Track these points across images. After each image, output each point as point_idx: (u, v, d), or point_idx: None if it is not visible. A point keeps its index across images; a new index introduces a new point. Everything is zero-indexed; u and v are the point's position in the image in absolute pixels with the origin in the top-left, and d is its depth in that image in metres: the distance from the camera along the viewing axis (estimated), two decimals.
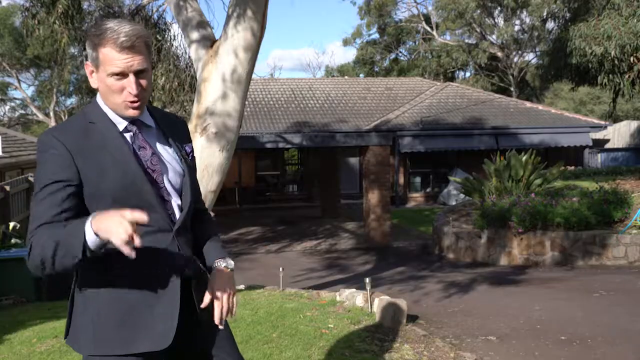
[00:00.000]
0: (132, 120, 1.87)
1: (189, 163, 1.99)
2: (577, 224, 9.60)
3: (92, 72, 1.83)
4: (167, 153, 1.94)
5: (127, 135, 1.86)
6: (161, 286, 1.83)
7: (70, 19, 8.19)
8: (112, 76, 1.77)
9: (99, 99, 1.88)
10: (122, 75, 1.77)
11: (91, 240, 1.58)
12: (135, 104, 1.81)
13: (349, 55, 79.73)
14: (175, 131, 2.02)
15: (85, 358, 1.83)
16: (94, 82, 1.84)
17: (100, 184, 1.75)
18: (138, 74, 1.79)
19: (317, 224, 16.70)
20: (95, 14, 10.20)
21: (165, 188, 1.88)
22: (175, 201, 1.90)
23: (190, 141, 2.06)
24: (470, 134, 19.87)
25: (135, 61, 1.77)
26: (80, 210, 1.74)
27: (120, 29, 1.75)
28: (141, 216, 1.57)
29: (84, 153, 1.75)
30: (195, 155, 2.15)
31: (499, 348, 5.06)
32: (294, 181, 23.91)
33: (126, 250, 1.53)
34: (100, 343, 1.79)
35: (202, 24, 5.88)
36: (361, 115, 21.08)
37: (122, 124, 1.86)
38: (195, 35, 5.79)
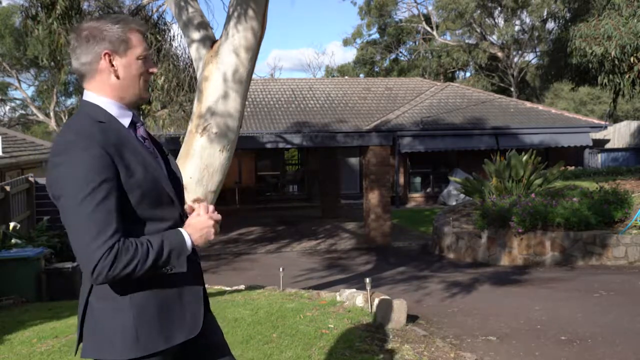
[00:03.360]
0: (134, 114, 1.91)
1: (172, 159, 2.03)
2: (577, 224, 9.60)
3: (113, 59, 1.82)
4: (155, 149, 1.97)
5: (132, 131, 1.87)
6: (185, 275, 1.84)
7: (69, 19, 8.19)
8: (140, 59, 1.86)
9: (93, 97, 1.83)
10: (145, 58, 1.88)
11: (189, 252, 1.81)
12: (148, 84, 1.94)
13: (349, 55, 79.78)
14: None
15: None
16: (115, 70, 1.82)
17: (130, 180, 1.73)
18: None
19: (317, 224, 16.70)
20: (95, 14, 10.21)
21: (173, 181, 1.92)
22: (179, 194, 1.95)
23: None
24: (471, 134, 19.86)
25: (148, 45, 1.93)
26: (125, 212, 1.73)
27: (130, 19, 1.91)
28: (218, 216, 1.89)
29: (113, 150, 1.72)
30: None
31: (499, 348, 5.06)
32: (294, 181, 23.90)
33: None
34: (144, 343, 1.76)
35: (203, 24, 5.88)
36: (361, 115, 21.08)
37: (126, 119, 1.86)
38: (196, 35, 5.79)
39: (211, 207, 1.89)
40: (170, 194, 1.84)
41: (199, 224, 1.83)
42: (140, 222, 1.78)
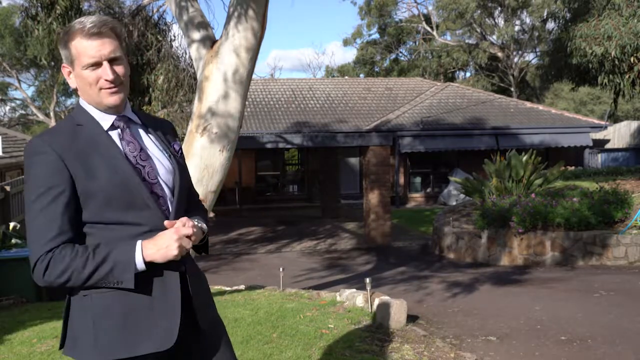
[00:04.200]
0: (119, 116, 1.86)
1: (178, 160, 1.97)
2: (577, 224, 9.60)
3: (69, 72, 1.85)
4: (156, 149, 1.92)
5: (114, 133, 1.85)
6: (160, 285, 1.80)
7: (69, 20, 8.19)
8: (87, 68, 1.78)
9: (81, 101, 1.88)
10: (97, 65, 1.78)
11: (140, 267, 1.73)
12: (113, 89, 1.81)
13: (349, 55, 79.71)
14: (162, 130, 2.02)
15: None
16: (72, 82, 1.85)
17: (91, 184, 1.73)
18: (112, 61, 1.80)
19: (317, 224, 16.70)
20: (95, 15, 10.18)
21: (159, 183, 1.86)
22: (169, 197, 1.88)
23: (177, 140, 2.05)
24: (471, 134, 19.87)
25: (105, 47, 1.78)
26: (79, 216, 1.75)
27: (86, 20, 1.79)
28: (189, 230, 1.77)
29: (73, 155, 1.73)
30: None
31: (499, 348, 5.06)
32: (294, 181, 23.90)
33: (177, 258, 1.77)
34: (102, 349, 1.74)
35: (203, 24, 5.88)
36: (361, 115, 21.08)
37: (108, 122, 1.85)
38: (196, 35, 5.79)
39: (185, 221, 1.79)
40: (145, 198, 1.79)
41: (160, 240, 1.74)
42: (111, 226, 1.76)
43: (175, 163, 1.94)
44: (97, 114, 1.85)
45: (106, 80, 1.79)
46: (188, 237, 1.77)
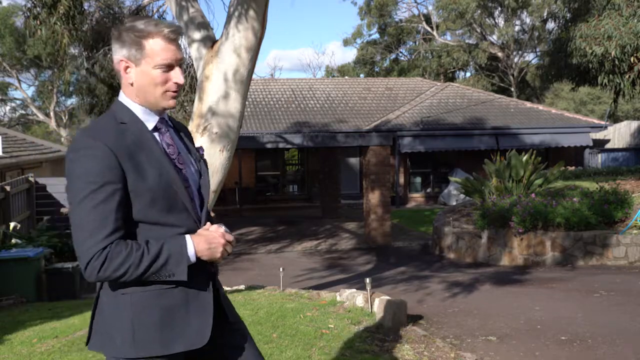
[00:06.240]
0: (161, 119, 1.89)
1: (205, 164, 2.02)
2: (577, 224, 9.60)
3: (128, 67, 1.84)
4: (186, 153, 1.96)
5: (156, 135, 1.87)
6: (194, 285, 1.84)
7: (71, 19, 8.19)
8: (159, 68, 1.81)
9: (124, 98, 1.87)
10: (169, 67, 1.83)
11: (192, 260, 1.78)
12: (176, 94, 1.87)
13: (349, 55, 79.78)
14: (185, 134, 2.05)
15: None
16: (130, 77, 1.84)
17: (139, 184, 1.74)
18: (180, 66, 1.87)
19: (318, 224, 16.70)
20: (95, 15, 10.20)
21: (191, 187, 1.90)
22: (197, 200, 1.92)
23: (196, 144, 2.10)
24: (471, 134, 19.87)
25: (179, 53, 1.85)
26: (130, 214, 1.75)
27: (161, 23, 1.84)
28: (231, 237, 1.89)
29: (123, 153, 1.73)
30: None
31: (499, 348, 5.06)
32: (294, 181, 23.90)
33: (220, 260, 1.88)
34: (141, 345, 1.77)
35: (204, 24, 5.88)
36: (361, 115, 21.08)
37: (151, 123, 1.86)
38: (196, 35, 5.79)
39: (225, 229, 1.89)
40: (184, 201, 1.83)
41: (210, 237, 1.82)
42: (150, 226, 1.79)
43: (203, 167, 1.99)
44: (142, 114, 1.86)
45: (176, 83, 1.84)
46: (230, 243, 1.87)
